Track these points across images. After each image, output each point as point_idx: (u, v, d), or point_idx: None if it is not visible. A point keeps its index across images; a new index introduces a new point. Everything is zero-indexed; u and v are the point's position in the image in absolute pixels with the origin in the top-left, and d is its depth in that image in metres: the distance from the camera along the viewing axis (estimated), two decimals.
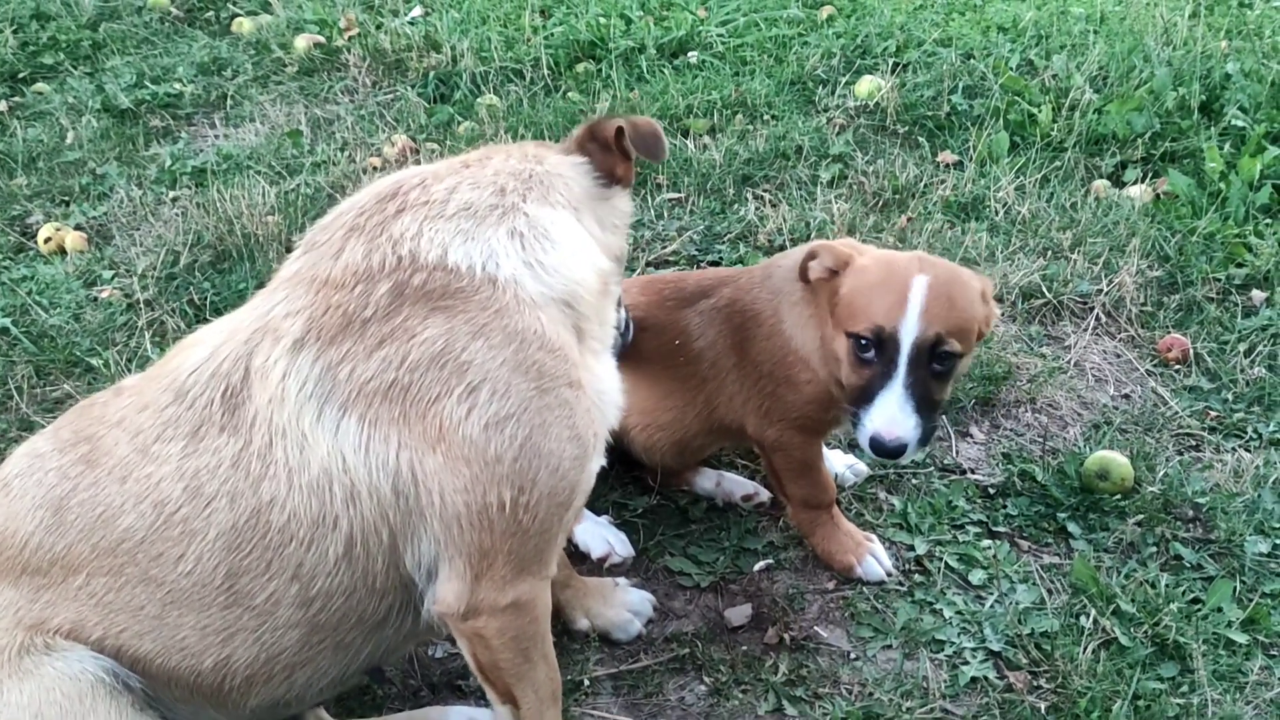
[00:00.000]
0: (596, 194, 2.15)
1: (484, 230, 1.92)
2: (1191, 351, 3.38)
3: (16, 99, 5.11)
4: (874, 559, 2.68)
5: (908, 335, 2.30)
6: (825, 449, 2.91)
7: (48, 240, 3.94)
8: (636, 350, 2.67)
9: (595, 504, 2.80)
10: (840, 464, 2.96)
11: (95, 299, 3.62)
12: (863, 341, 2.34)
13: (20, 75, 5.31)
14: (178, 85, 5.15)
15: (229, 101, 5.06)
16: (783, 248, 3.79)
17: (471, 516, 1.84)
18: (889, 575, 2.67)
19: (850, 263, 2.42)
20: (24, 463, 1.94)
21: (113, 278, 3.74)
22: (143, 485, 1.85)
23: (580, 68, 5.06)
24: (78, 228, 4.05)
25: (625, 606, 2.55)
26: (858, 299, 2.37)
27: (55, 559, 1.87)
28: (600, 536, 2.69)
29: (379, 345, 1.83)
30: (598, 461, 2.00)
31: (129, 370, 3.22)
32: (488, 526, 1.85)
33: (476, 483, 1.82)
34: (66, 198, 4.29)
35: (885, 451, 2.31)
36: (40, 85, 5.23)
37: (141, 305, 3.53)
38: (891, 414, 2.30)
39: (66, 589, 1.87)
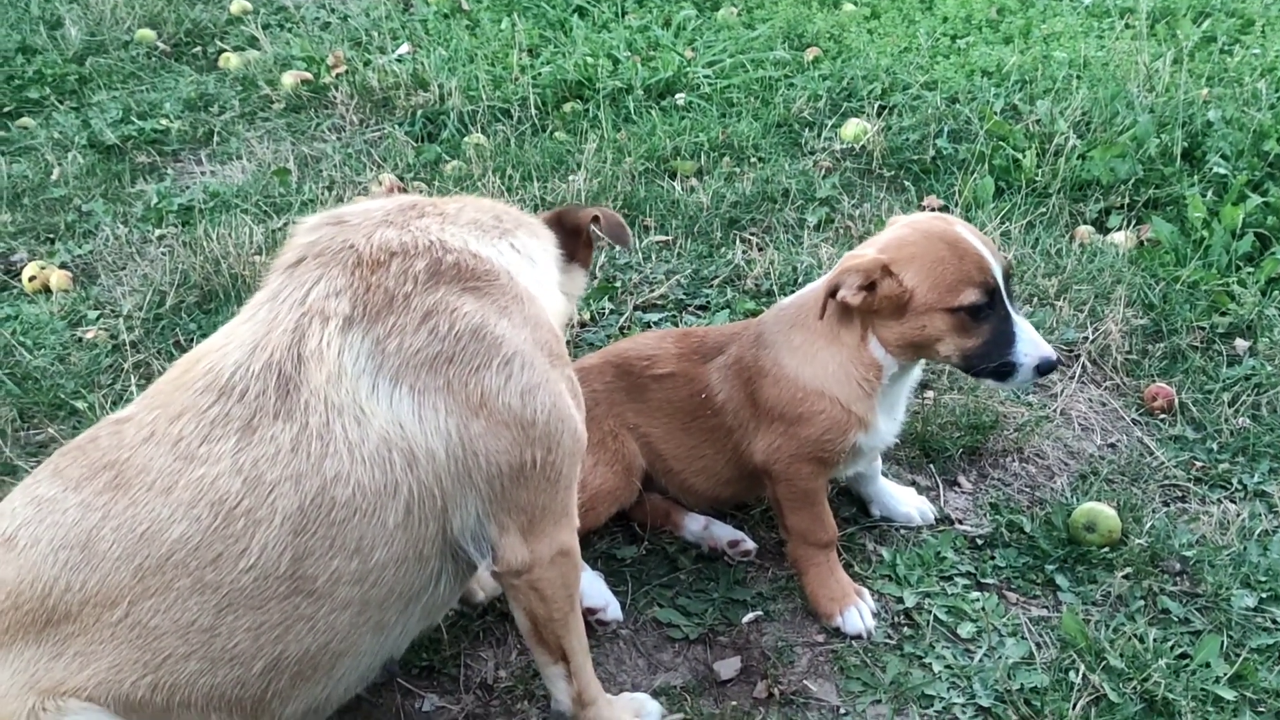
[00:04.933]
0: (559, 265, 2.39)
1: (490, 239, 2.17)
2: (1176, 401, 3.40)
3: (1, 134, 5.09)
4: (857, 613, 2.68)
5: (998, 276, 2.50)
6: (898, 486, 3.04)
7: (32, 279, 3.92)
8: (674, 400, 2.85)
9: (585, 555, 2.78)
10: (912, 505, 3.00)
11: (80, 340, 3.60)
12: (977, 306, 2.48)
13: (5, 110, 5.31)
14: (164, 121, 5.15)
15: (216, 138, 5.06)
16: (770, 292, 3.81)
17: (511, 474, 2.03)
18: (867, 634, 2.67)
19: (882, 264, 2.51)
20: (28, 511, 1.90)
21: (98, 318, 3.72)
22: (193, 490, 1.87)
23: (568, 108, 5.08)
24: (63, 266, 4.03)
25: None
26: (940, 277, 2.48)
27: (87, 598, 1.84)
28: (597, 590, 2.68)
29: (424, 318, 1.99)
30: None
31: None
32: (524, 483, 2.05)
33: (515, 444, 2.02)
34: (51, 235, 4.27)
35: (1052, 367, 2.53)
36: (25, 120, 5.22)
37: (127, 347, 3.51)
38: (1036, 338, 2.52)
39: (101, 629, 1.85)
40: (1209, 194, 4.26)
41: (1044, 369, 2.53)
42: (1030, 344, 2.51)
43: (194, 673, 1.89)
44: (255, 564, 1.88)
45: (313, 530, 1.90)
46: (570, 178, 4.36)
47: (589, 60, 5.34)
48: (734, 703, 2.53)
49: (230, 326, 2.08)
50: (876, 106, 4.99)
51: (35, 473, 2.02)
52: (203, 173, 4.80)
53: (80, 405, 3.26)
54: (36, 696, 1.82)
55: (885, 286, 2.51)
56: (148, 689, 1.87)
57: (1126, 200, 4.33)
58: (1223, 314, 3.75)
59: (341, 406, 1.92)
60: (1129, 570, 2.82)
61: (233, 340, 2.01)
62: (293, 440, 1.90)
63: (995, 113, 4.81)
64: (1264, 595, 2.76)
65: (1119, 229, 4.22)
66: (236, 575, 1.87)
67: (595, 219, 2.41)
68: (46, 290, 3.90)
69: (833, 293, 2.55)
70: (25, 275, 3.94)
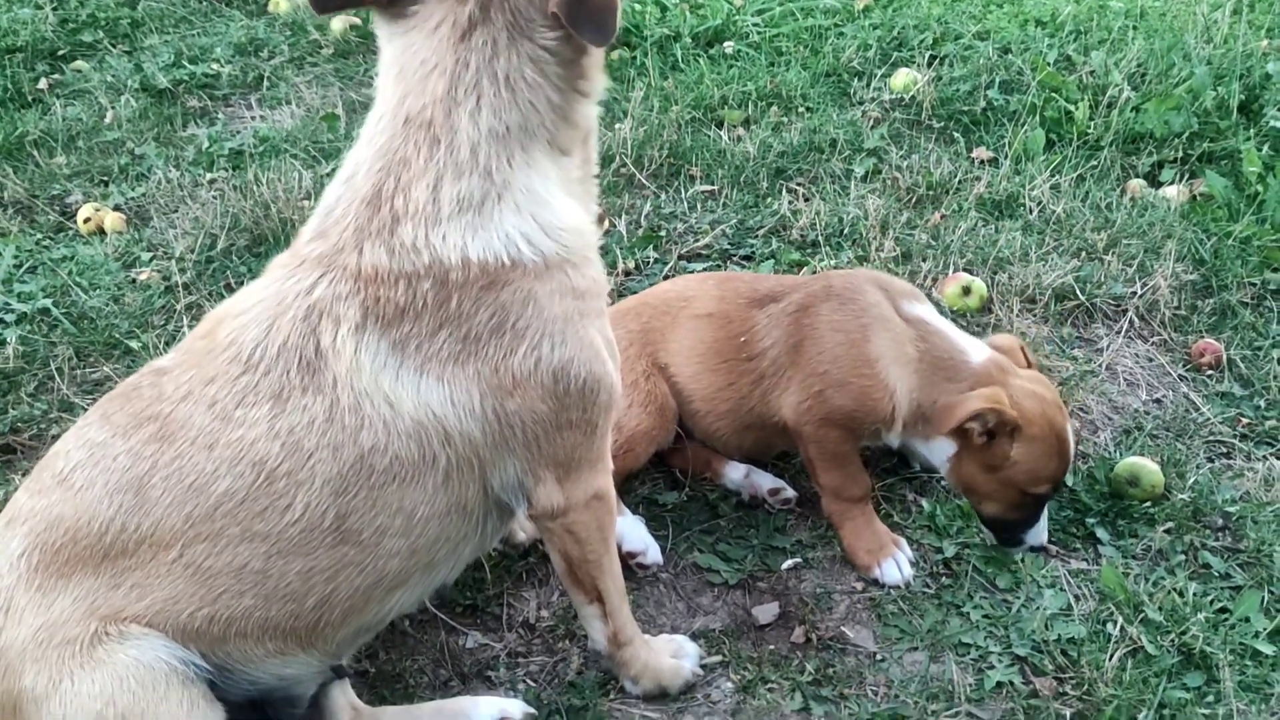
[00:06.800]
0: (562, 101, 1.99)
1: (490, 220, 1.95)
2: (1225, 357, 3.37)
3: (56, 76, 5.15)
4: (894, 564, 2.71)
5: None
6: None
7: (87, 220, 3.98)
8: (707, 340, 2.86)
9: (626, 500, 2.83)
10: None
11: (134, 281, 3.66)
12: (1043, 497, 2.65)
13: (60, 52, 5.35)
14: (215, 65, 5.18)
15: (265, 83, 5.08)
16: (815, 243, 3.80)
17: (550, 435, 2.07)
18: (905, 585, 2.69)
19: (1019, 430, 2.56)
20: (81, 454, 1.96)
21: (151, 260, 3.78)
22: (234, 449, 1.91)
23: (614, 55, 5.06)
24: (116, 208, 4.09)
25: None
26: (1038, 467, 2.59)
27: (143, 538, 1.91)
28: (637, 534, 2.72)
29: (439, 328, 1.95)
30: None
31: (167, 353, 3.26)
32: (562, 441, 2.09)
33: (551, 411, 2.04)
34: (105, 178, 4.33)
35: (1041, 551, 2.74)
36: (79, 63, 5.26)
37: (180, 288, 3.56)
38: (1044, 525, 2.70)
39: (158, 565, 1.91)
40: (1265, 148, 4.19)
41: (1037, 550, 2.73)
42: (1040, 531, 2.69)
43: (249, 608, 1.96)
44: (300, 518, 1.93)
45: (354, 492, 1.95)
46: (616, 125, 4.35)
47: (636, 7, 5.30)
48: (772, 647, 2.56)
49: (250, 291, 2.05)
50: (927, 56, 4.93)
51: (85, 416, 2.07)
52: (253, 117, 4.83)
53: (134, 345, 3.33)
54: (98, 622, 1.88)
55: (1000, 443, 2.58)
56: (204, 620, 1.94)
57: (1180, 154, 4.26)
58: (1275, 270, 3.71)
59: (368, 391, 1.93)
60: (1171, 525, 2.82)
61: (250, 311, 1.99)
62: (327, 412, 1.93)
63: (1048, 63, 4.73)
64: None
65: (1171, 183, 4.16)
66: (284, 527, 1.93)
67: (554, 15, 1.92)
68: (101, 232, 3.96)
69: (969, 417, 2.54)
70: (80, 217, 4.00)
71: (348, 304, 1.94)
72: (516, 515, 2.20)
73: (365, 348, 1.93)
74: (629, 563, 2.67)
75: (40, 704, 1.84)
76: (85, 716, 1.83)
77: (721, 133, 4.44)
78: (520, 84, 1.94)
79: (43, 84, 5.05)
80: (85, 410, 3.03)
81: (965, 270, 3.64)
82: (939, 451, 2.70)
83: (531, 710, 2.38)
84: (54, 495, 1.95)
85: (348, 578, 2.01)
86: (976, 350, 2.69)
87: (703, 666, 2.50)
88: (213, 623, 1.95)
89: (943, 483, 2.97)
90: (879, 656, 2.54)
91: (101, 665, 1.85)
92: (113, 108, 4.79)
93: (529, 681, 2.50)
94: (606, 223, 3.87)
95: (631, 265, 3.72)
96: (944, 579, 2.72)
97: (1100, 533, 2.82)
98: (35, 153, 4.42)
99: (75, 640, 1.87)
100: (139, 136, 4.60)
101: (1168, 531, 2.80)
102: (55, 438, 2.96)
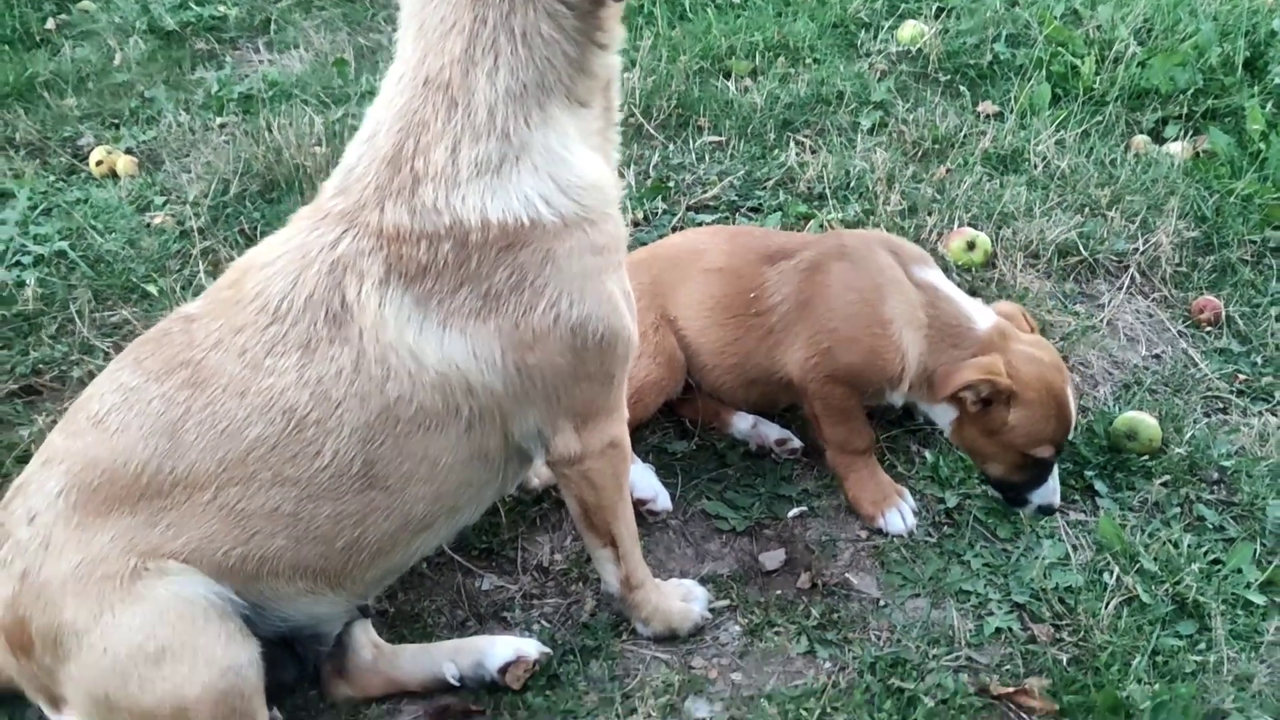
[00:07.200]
0: (579, 55, 2.00)
1: (508, 182, 1.98)
2: (1224, 314, 3.43)
3: (63, 16, 5.15)
4: (898, 514, 2.78)
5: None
6: None
7: (99, 163, 4.01)
8: (716, 294, 2.90)
9: (637, 448, 2.89)
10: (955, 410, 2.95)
11: (149, 225, 3.69)
12: (1046, 461, 2.69)
13: None
14: (222, 8, 5.18)
15: (273, 26, 5.09)
16: (822, 196, 3.84)
17: (569, 387, 2.13)
18: (908, 534, 2.77)
19: (1015, 395, 2.63)
20: (115, 398, 2.01)
21: (165, 204, 3.81)
22: (264, 397, 1.98)
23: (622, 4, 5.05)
24: (128, 151, 4.11)
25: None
26: (1036, 431, 2.65)
27: (177, 480, 1.97)
28: (647, 482, 2.79)
29: (460, 285, 2.00)
30: None
31: (185, 298, 3.30)
32: (580, 392, 2.16)
33: (571, 364, 2.10)
34: (116, 120, 4.35)
35: (1051, 512, 2.77)
36: (86, 3, 5.27)
37: (195, 233, 3.60)
38: (1054, 487, 2.74)
39: (193, 507, 1.98)
40: (1269, 105, 4.22)
41: (1049, 512, 2.76)
42: (1048, 492, 2.73)
43: (280, 548, 2.04)
44: (329, 464, 2.01)
45: (380, 440, 2.02)
46: (625, 75, 4.37)
47: None
48: (778, 592, 2.64)
49: (274, 243, 2.10)
50: (934, 8, 4.93)
51: (118, 359, 2.13)
52: (261, 61, 4.84)
53: (152, 289, 3.37)
54: (137, 558, 1.95)
55: (997, 409, 2.65)
56: (239, 559, 2.02)
57: (1185, 110, 4.29)
58: (1276, 228, 3.75)
59: (393, 345, 1.99)
60: (1167, 478, 2.89)
61: (275, 263, 2.04)
62: (354, 363, 1.99)
63: (1055, 17, 4.74)
64: None
65: (1175, 140, 4.19)
66: (314, 473, 2.01)
67: None
68: (113, 175, 3.99)
69: (963, 387, 2.63)
70: (92, 160, 4.02)
71: (371, 260, 1.99)
72: (535, 462, 2.27)
73: (389, 302, 1.99)
74: (640, 509, 2.73)
75: (81, 637, 1.92)
76: (126, 649, 1.90)
77: (729, 83, 4.46)
78: (536, 40, 1.95)
79: (50, 24, 5.06)
80: (106, 352, 3.11)
81: (970, 225, 3.68)
82: (942, 415, 2.77)
83: (547, 649, 2.45)
84: (90, 437, 2.01)
85: (375, 522, 2.09)
86: (983, 317, 2.75)
87: (711, 610, 2.58)
88: (246, 561, 2.02)
89: (944, 434, 3.03)
90: (882, 602, 2.62)
91: (141, 599, 1.93)
92: (121, 49, 4.80)
93: (543, 622, 2.57)
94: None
95: (640, 216, 3.76)
96: (946, 528, 2.80)
97: (1098, 485, 2.90)
98: (46, 94, 4.44)
99: (115, 575, 1.94)
100: (148, 79, 4.61)
101: (1164, 484, 2.88)
102: (78, 379, 3.03)
